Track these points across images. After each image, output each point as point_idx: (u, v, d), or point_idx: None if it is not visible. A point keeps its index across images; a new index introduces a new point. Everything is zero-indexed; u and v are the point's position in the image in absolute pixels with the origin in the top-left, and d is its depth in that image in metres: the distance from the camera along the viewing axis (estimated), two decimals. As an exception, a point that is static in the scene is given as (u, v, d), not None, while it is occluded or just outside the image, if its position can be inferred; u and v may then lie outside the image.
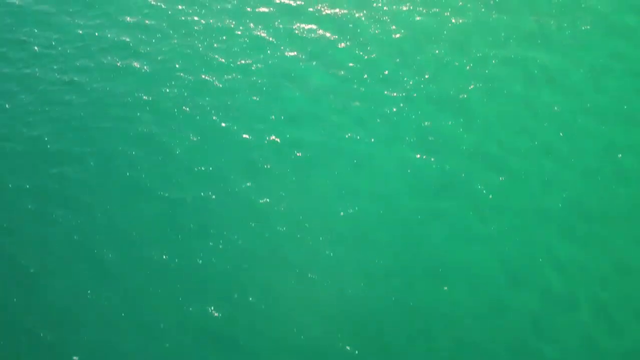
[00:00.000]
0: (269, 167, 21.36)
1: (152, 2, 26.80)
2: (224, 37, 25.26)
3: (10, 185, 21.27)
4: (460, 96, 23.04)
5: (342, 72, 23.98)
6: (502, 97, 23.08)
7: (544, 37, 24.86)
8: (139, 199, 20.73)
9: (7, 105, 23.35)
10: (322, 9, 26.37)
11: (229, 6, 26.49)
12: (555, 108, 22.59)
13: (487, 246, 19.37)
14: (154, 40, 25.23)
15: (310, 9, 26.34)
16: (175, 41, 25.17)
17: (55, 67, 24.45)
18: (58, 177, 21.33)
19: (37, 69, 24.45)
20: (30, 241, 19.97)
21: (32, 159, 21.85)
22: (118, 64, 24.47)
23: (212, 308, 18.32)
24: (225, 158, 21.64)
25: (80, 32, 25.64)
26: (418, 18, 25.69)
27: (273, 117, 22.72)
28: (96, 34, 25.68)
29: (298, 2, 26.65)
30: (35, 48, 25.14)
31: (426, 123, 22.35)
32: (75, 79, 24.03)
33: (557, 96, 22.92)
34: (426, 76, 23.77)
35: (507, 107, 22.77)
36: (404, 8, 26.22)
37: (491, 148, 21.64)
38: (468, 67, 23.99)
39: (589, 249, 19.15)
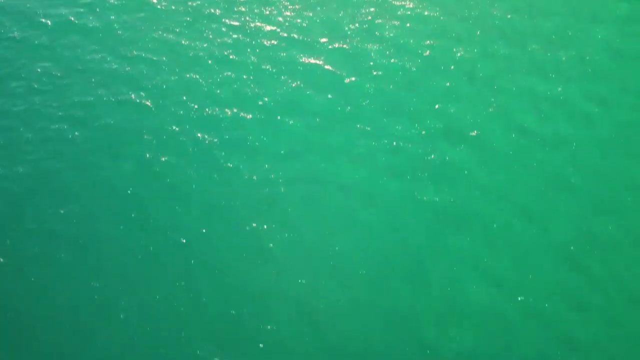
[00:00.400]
0: (274, 206, 20.73)
1: (155, 35, 26.32)
2: (228, 71, 24.73)
3: (10, 227, 20.48)
4: (471, 131, 22.53)
5: (349, 108, 23.46)
6: (514, 130, 22.61)
7: (555, 68, 24.45)
8: (143, 239, 20.01)
9: (5, 143, 22.67)
10: (328, 42, 25.92)
11: (233, 40, 26.01)
12: (568, 141, 22.13)
13: (499, 286, 18.74)
14: (156, 74, 24.66)
15: (316, 42, 25.90)
16: (178, 75, 24.62)
17: (54, 103, 23.79)
18: (60, 218, 20.59)
19: (36, 105, 23.73)
20: (33, 284, 19.22)
21: (33, 199, 21.13)
22: (119, 99, 23.85)
23: (217, 355, 17.61)
24: (230, 197, 21.00)
25: (80, 66, 25.05)
26: (426, 53, 25.26)
27: (278, 153, 22.12)
28: (97, 67, 25.10)
29: (303, 36, 26.20)
30: (34, 84, 24.52)
31: (436, 157, 21.85)
32: (76, 114, 23.37)
33: (569, 129, 22.45)
34: (435, 108, 23.27)
35: (518, 140, 22.28)
36: (411, 40, 25.82)
37: (503, 183, 21.13)
38: (478, 100, 23.51)
39: (604, 288, 18.58)
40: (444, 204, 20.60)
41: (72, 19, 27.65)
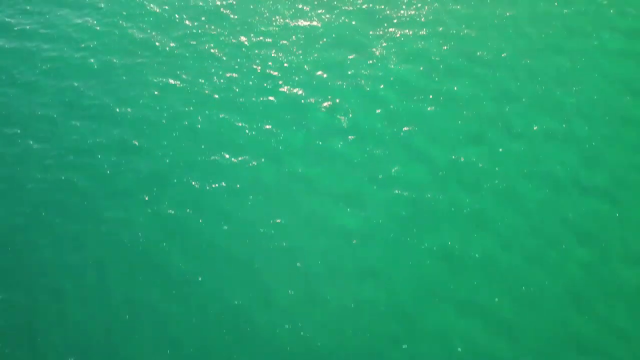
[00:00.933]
0: (283, 258, 19.92)
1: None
2: (235, 118, 23.87)
3: (11, 281, 19.56)
4: (488, 179, 21.83)
5: (360, 155, 22.72)
6: (534, 176, 21.90)
7: (574, 112, 23.80)
8: (151, 292, 19.26)
9: (2, 192, 21.71)
10: (337, 87, 25.05)
11: (239, 85, 25.18)
12: (589, 187, 21.45)
13: (511, 337, 18.06)
14: (159, 120, 23.80)
15: (324, 87, 25.10)
16: (182, 121, 23.75)
17: (53, 151, 22.86)
18: (63, 270, 19.75)
19: (34, 152, 22.81)
20: (39, 339, 18.37)
21: (34, 251, 20.22)
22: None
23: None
24: (239, 248, 20.16)
25: (80, 112, 24.18)
26: (439, 96, 24.50)
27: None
28: (98, 113, 24.22)
29: (311, 80, 25.35)
30: (32, 130, 23.55)
31: (453, 207, 21.10)
32: (76, 163, 22.45)
33: (591, 175, 21.79)
34: (451, 154, 22.40)
35: (538, 187, 21.56)
36: (423, 83, 24.98)
37: (522, 232, 20.38)
38: (494, 146, 22.64)
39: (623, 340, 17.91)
40: (459, 254, 19.87)
41: (73, 62, 26.88)
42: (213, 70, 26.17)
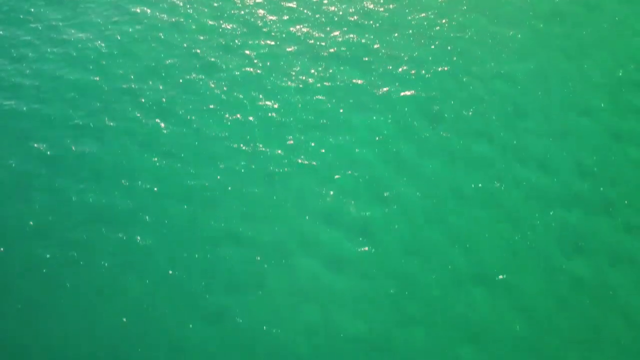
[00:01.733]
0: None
1: (163, 164, 24.38)
2: (236, 203, 23.04)
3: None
4: (497, 273, 21.08)
5: (361, 239, 21.90)
6: (546, 271, 21.11)
7: (588, 199, 22.79)
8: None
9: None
10: (340, 171, 24.08)
11: (240, 166, 24.27)
12: (608, 283, 20.83)
13: None
14: (157, 206, 22.89)
15: (327, 170, 24.18)
16: (181, 208, 22.93)
17: (44, 242, 22.00)
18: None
19: (29, 242, 21.95)
20: None
21: (30, 351, 19.51)
22: (117, 237, 22.11)
23: None
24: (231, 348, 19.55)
25: (75, 198, 23.28)
26: (445, 177, 23.68)
27: (282, 292, 20.69)
28: (94, 200, 23.31)
29: (313, 162, 24.39)
30: (30, 220, 22.63)
31: (459, 305, 20.39)
32: (69, 255, 21.61)
33: (610, 269, 21.06)
34: (456, 246, 21.65)
35: (552, 282, 20.78)
36: (430, 159, 24.03)
37: (535, 334, 19.66)
38: (502, 236, 21.79)
39: None
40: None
41: (71, 146, 25.48)
42: (216, 149, 25.04)
